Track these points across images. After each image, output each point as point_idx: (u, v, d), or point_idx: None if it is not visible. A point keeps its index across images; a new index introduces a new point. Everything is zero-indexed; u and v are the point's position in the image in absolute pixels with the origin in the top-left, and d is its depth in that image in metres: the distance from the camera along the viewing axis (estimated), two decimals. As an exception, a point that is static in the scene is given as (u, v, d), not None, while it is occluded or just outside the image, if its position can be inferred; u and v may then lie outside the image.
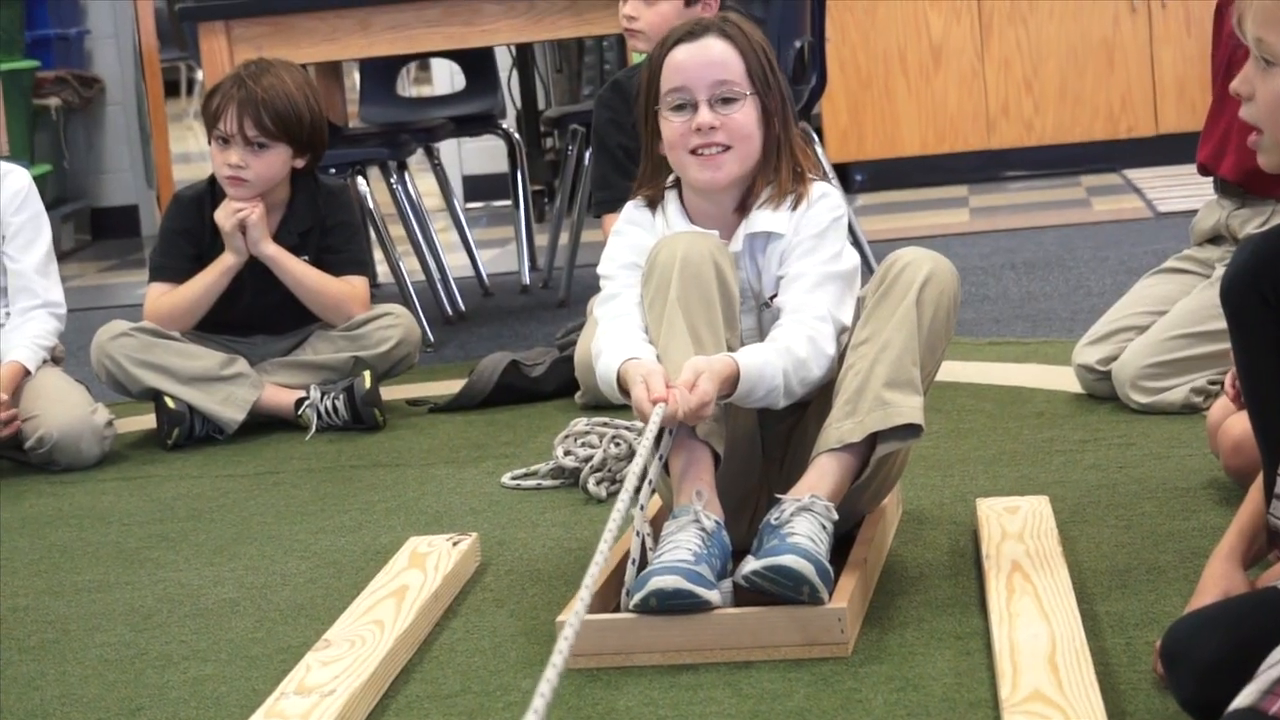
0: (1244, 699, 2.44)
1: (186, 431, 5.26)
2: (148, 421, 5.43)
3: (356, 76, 8.03)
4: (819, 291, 3.43)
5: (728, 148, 3.41)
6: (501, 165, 8.73)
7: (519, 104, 8.39)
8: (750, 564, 3.06)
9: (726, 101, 3.40)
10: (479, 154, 9.67)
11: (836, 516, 3.17)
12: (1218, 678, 2.61)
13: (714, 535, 3.15)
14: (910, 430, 3.27)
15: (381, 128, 7.47)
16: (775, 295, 3.52)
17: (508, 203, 8.52)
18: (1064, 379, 4.98)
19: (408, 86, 8.24)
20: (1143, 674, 3.02)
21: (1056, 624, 3.20)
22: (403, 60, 8.01)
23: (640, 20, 5.36)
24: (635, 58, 5.58)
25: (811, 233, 3.48)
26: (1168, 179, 8.32)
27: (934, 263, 3.39)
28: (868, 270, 6.51)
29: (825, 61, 7.04)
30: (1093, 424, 4.64)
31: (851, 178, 8.77)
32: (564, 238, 7.33)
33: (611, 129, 5.56)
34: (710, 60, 3.41)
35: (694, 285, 3.30)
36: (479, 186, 9.87)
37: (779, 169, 3.52)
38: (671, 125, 3.42)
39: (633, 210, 3.65)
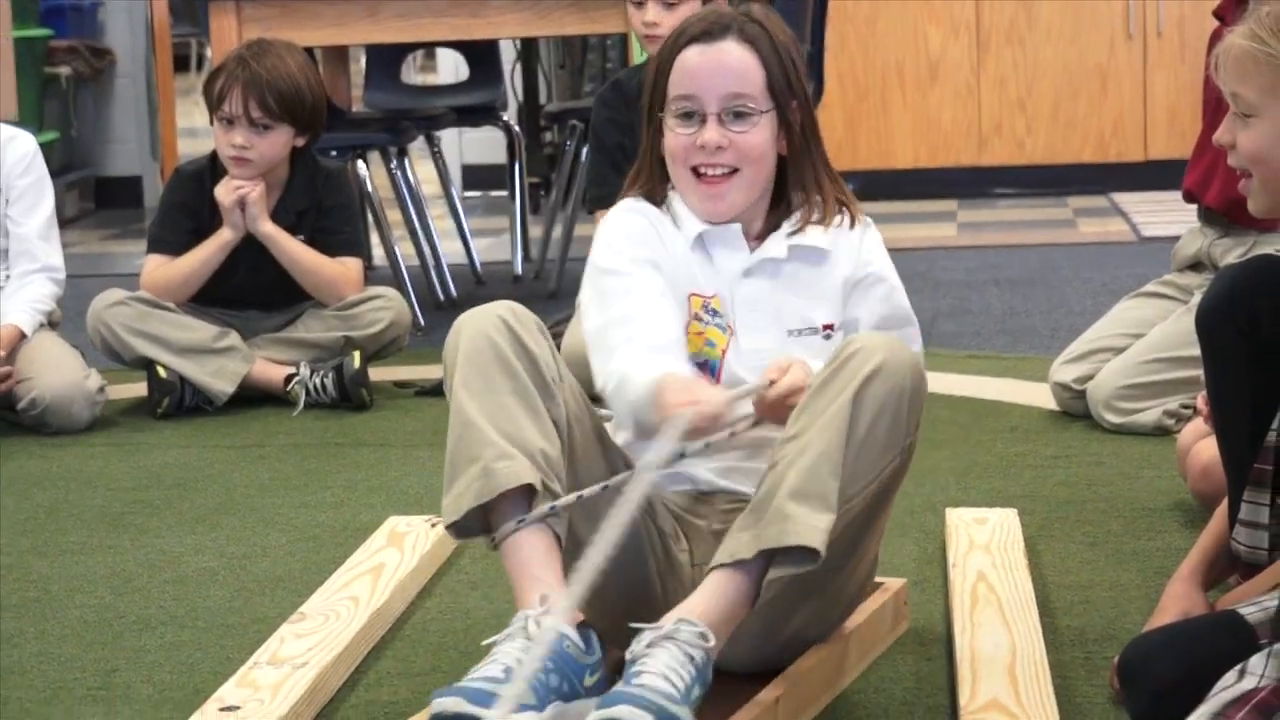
0: (1197, 719, 2.46)
1: (176, 401, 5.28)
2: (139, 389, 5.45)
3: (363, 61, 8.01)
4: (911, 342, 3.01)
5: (734, 170, 2.91)
6: (500, 157, 8.73)
7: (521, 97, 8.40)
8: (591, 710, 2.44)
9: (739, 117, 2.89)
10: (479, 144, 9.68)
11: (712, 643, 2.51)
12: (1172, 697, 2.62)
13: (555, 647, 2.49)
14: (805, 555, 2.55)
15: (384, 114, 7.47)
16: (830, 325, 3.01)
17: (504, 193, 8.51)
18: (1040, 395, 5.00)
19: (412, 74, 8.25)
20: (1099, 688, 3.04)
21: (1018, 635, 3.22)
22: (409, 48, 8.01)
23: (662, 26, 5.36)
24: (636, 57, 5.59)
25: (873, 266, 3.07)
26: (1153, 204, 8.34)
27: (888, 354, 2.70)
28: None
29: (824, 71, 7.05)
30: (1065, 441, 4.66)
31: (849, 186, 8.78)
32: (557, 231, 7.34)
33: (610, 127, 5.57)
34: (726, 68, 2.90)
35: (474, 366, 2.71)
36: (477, 176, 9.88)
37: (814, 186, 3.04)
38: (675, 136, 2.93)
39: (632, 202, 3.08)
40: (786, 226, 3.02)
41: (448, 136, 8.43)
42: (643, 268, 2.97)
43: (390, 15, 6.87)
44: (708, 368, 2.91)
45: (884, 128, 9.01)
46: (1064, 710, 2.91)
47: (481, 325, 2.71)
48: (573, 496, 2.67)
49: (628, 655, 2.50)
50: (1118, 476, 4.28)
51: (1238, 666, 2.52)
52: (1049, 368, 4.97)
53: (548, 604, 2.54)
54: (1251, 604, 2.85)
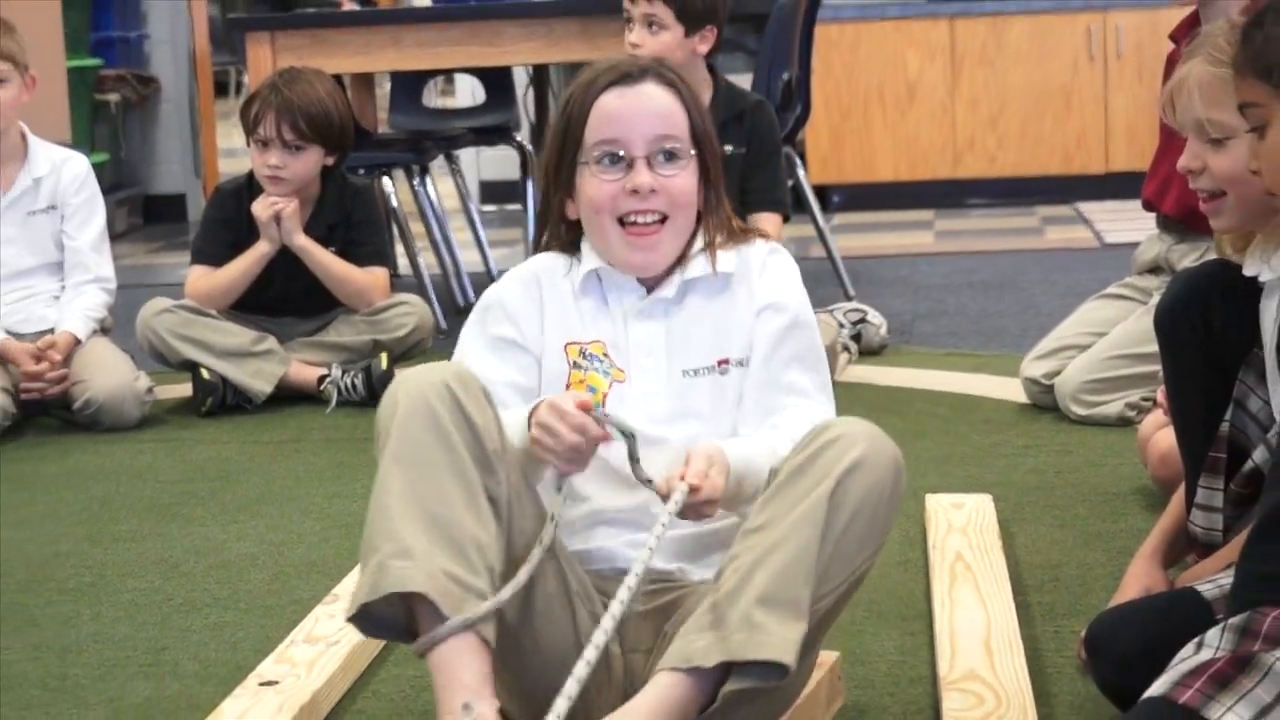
0: (1156, 688, 2.45)
1: (219, 400, 5.28)
2: (184, 390, 5.45)
3: (387, 86, 8.00)
4: (820, 391, 2.60)
5: (664, 219, 2.48)
6: (514, 173, 8.71)
7: (533, 118, 8.37)
8: None
9: (670, 158, 2.48)
10: (494, 162, 9.65)
11: None
12: (1134, 667, 2.62)
13: None
14: (772, 669, 2.17)
15: (407, 134, 7.47)
16: (726, 360, 2.57)
17: (518, 207, 8.49)
18: (1011, 389, 4.99)
19: (433, 98, 8.23)
20: (1068, 659, 3.04)
21: (993, 611, 3.22)
22: (429, 74, 8.00)
23: (644, 47, 5.34)
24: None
25: (780, 295, 2.58)
26: (1115, 213, 8.33)
27: (869, 444, 2.31)
28: (841, 291, 6.54)
29: (810, 92, 7.04)
30: (1035, 431, 4.65)
31: (830, 199, 8.77)
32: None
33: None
34: (652, 110, 2.49)
35: (409, 437, 2.31)
36: (493, 191, 9.86)
37: (717, 227, 2.60)
38: (599, 184, 2.47)
39: (521, 267, 2.68)
40: (681, 269, 2.57)
41: (466, 155, 8.41)
42: (493, 351, 2.56)
43: (412, 44, 6.88)
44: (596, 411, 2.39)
45: (866, 144, 9.00)
46: (1035, 679, 2.91)
47: (423, 390, 2.30)
48: (491, 604, 2.21)
49: None
50: (1084, 464, 4.28)
51: (1196, 639, 2.52)
52: (1020, 364, 4.97)
53: (472, 715, 2.16)
54: (1208, 582, 2.85)
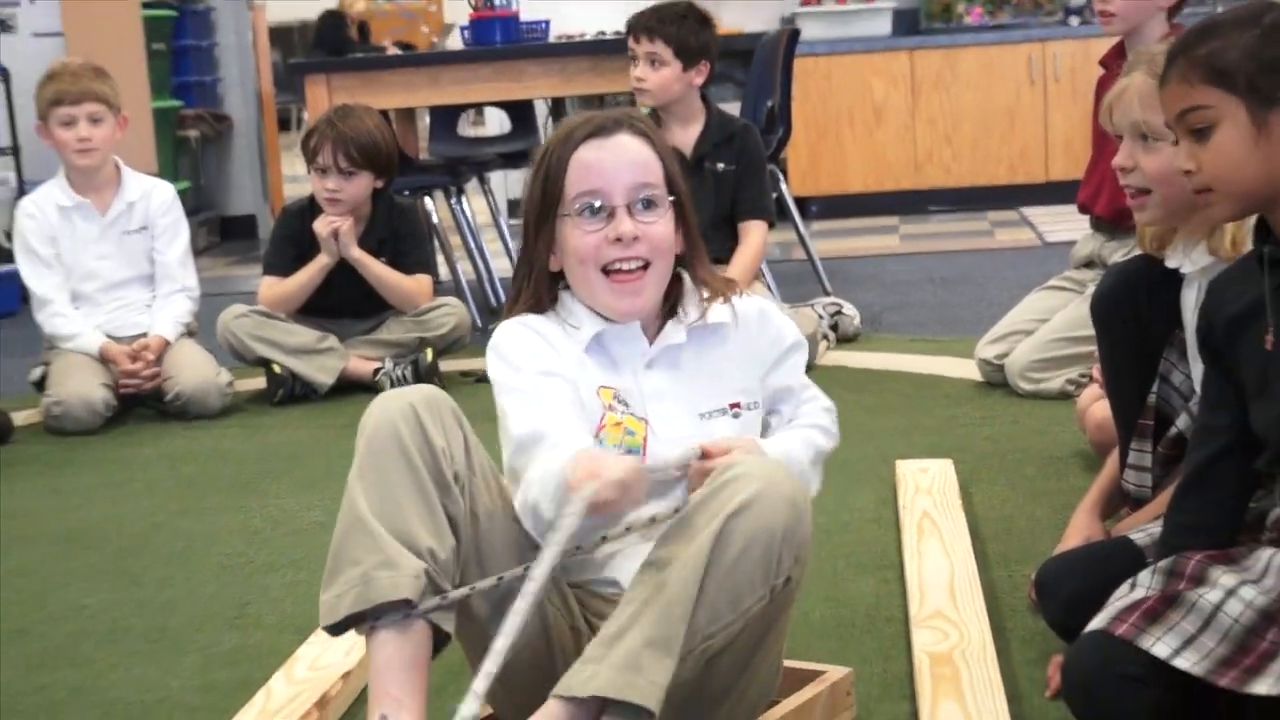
0: (1096, 623, 2.46)
1: (288, 391, 5.30)
2: (259, 383, 5.47)
3: (427, 119, 8.00)
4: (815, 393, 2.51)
5: (647, 265, 2.29)
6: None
7: (553, 144, 8.40)
8: None
9: (649, 206, 2.28)
10: (520, 182, 9.62)
11: None
12: (1077, 606, 2.63)
13: None
14: (641, 711, 1.98)
15: (445, 160, 7.46)
16: (737, 404, 2.40)
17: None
18: (968, 369, 4.99)
19: (466, 128, 8.22)
20: (1020, 600, 3.06)
21: (955, 559, 3.24)
22: (463, 108, 7.99)
23: (647, 81, 5.36)
24: (643, 110, 5.58)
25: (792, 339, 2.46)
26: (1054, 216, 8.32)
27: (762, 487, 2.07)
28: (820, 287, 6.54)
29: (790, 116, 7.03)
30: (989, 405, 4.65)
31: (809, 208, 8.76)
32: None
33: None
34: (629, 160, 2.28)
35: (374, 459, 2.16)
36: (520, 207, 9.83)
37: (700, 278, 2.42)
38: (582, 235, 2.27)
39: (516, 321, 2.40)
40: (680, 314, 2.39)
41: (495, 177, 8.39)
42: (544, 379, 2.31)
43: (448, 82, 6.90)
44: (631, 454, 2.26)
45: (839, 160, 9.00)
46: (992, 617, 2.93)
47: (389, 413, 2.15)
48: (463, 590, 2.12)
49: None
50: (1031, 432, 4.28)
51: (1130, 581, 2.53)
52: (974, 347, 4.97)
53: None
54: (1139, 531, 2.86)
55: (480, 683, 1.97)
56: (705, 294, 2.40)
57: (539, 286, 2.37)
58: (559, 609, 2.26)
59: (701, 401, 2.36)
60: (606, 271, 2.30)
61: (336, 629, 2.17)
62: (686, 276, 2.42)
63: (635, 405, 2.35)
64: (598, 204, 2.28)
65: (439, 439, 2.14)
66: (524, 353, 2.33)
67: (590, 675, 2.00)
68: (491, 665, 1.98)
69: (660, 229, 2.31)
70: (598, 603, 2.31)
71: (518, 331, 2.37)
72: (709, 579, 2.03)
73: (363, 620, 2.13)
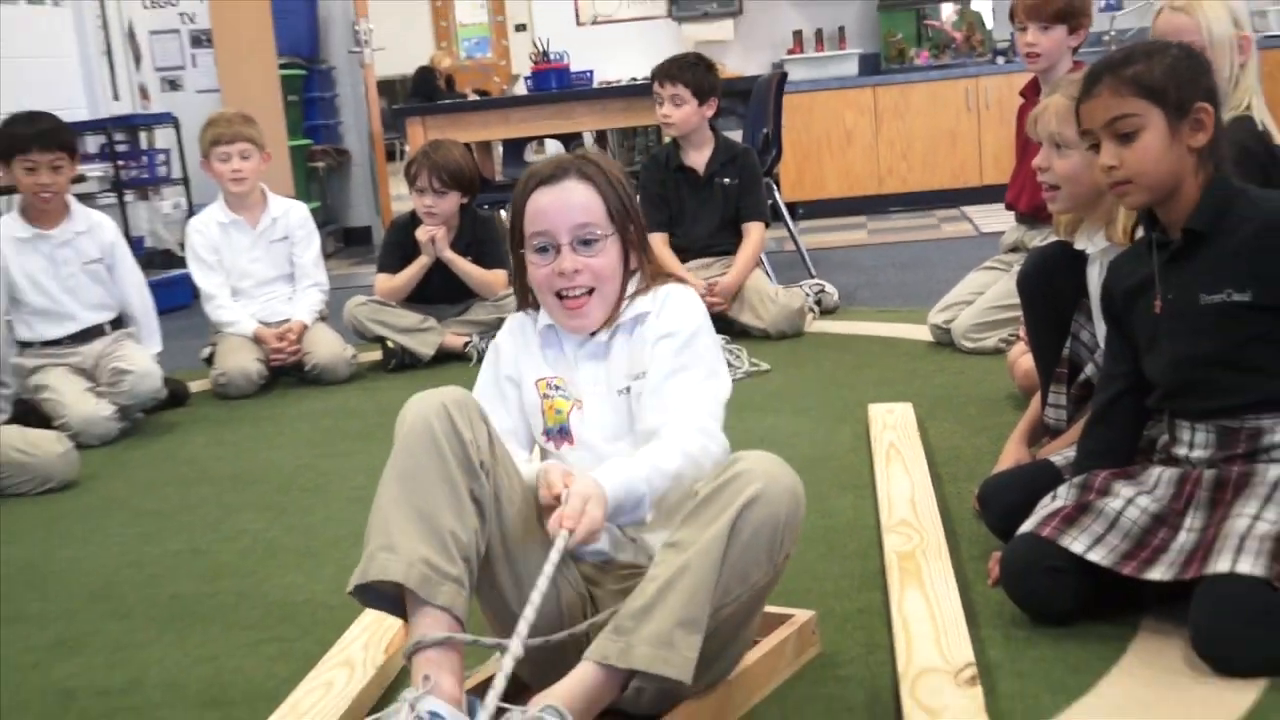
0: (1026, 527, 2.48)
1: (399, 361, 5.32)
2: (375, 355, 5.46)
3: (500, 149, 8.00)
4: (692, 385, 2.19)
5: (591, 290, 2.19)
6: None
7: (597, 166, 8.39)
8: None
9: (587, 243, 2.16)
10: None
11: None
12: (1012, 514, 2.63)
13: None
14: (671, 681, 1.91)
15: (514, 180, 7.47)
16: (640, 374, 2.22)
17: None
18: (922, 333, 4.97)
19: (531, 155, 8.21)
20: (967, 511, 3.06)
21: (915, 480, 3.24)
22: (528, 139, 7.99)
23: (672, 117, 5.39)
24: (665, 139, 5.59)
25: (680, 325, 2.22)
26: (987, 212, 8.28)
27: (767, 481, 2.00)
28: (806, 272, 6.53)
29: (781, 140, 7.02)
30: (939, 360, 4.63)
31: (796, 210, 8.70)
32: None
33: (650, 181, 5.57)
34: (571, 204, 2.16)
35: (408, 451, 2.04)
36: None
37: (644, 279, 2.28)
38: (536, 268, 2.20)
39: (516, 324, 2.35)
40: (617, 314, 2.25)
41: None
42: (507, 384, 2.29)
43: (516, 120, 6.93)
44: (562, 430, 2.23)
45: (819, 173, 8.97)
46: (945, 524, 2.93)
47: (424, 410, 2.04)
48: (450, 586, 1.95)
49: None
50: (972, 381, 4.27)
51: (1051, 493, 2.53)
52: (927, 316, 4.95)
53: (429, 685, 1.88)
54: (1058, 455, 2.86)
55: (522, 625, 1.88)
56: (639, 284, 2.26)
57: (525, 290, 2.27)
58: (569, 581, 2.13)
59: (618, 380, 2.21)
60: (559, 295, 2.19)
61: (357, 597, 2.02)
62: (634, 280, 2.26)
63: (571, 390, 2.23)
64: (545, 244, 2.17)
65: (467, 432, 2.02)
66: (495, 356, 2.31)
67: (625, 647, 1.89)
68: (529, 612, 1.90)
69: (599, 261, 2.18)
70: (588, 569, 2.19)
71: (503, 337, 2.33)
72: (725, 562, 1.94)
73: (374, 593, 2.00)
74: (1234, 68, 3.20)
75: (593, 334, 2.26)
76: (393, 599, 1.99)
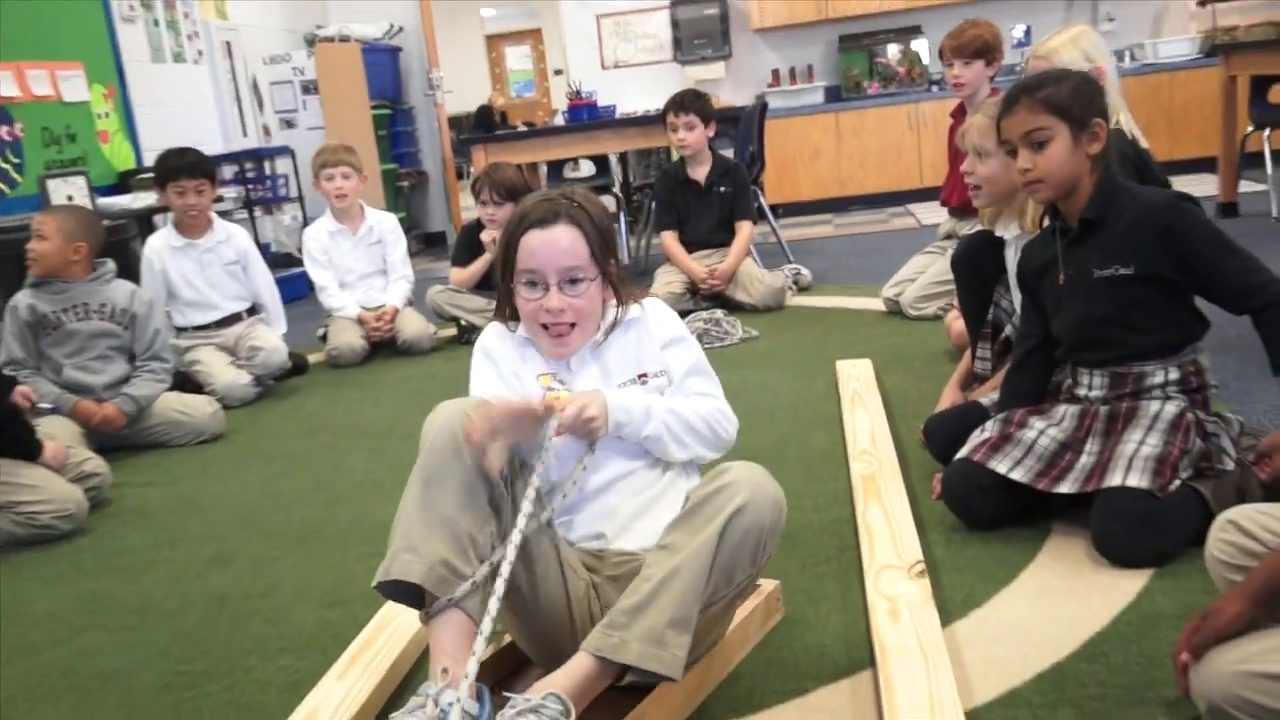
0: (961, 454, 2.48)
1: (469, 336, 5.30)
2: (451, 332, 5.47)
3: (544, 168, 7.98)
4: (716, 390, 2.03)
5: (573, 325, 1.95)
6: (613, 208, 8.71)
7: (620, 179, 8.35)
8: None
9: (573, 283, 1.93)
10: (604, 204, 9.58)
11: (572, 714, 1.64)
12: (950, 444, 2.64)
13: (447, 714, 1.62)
14: (661, 676, 1.71)
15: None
16: (645, 374, 2.01)
17: (616, 228, 8.48)
18: (877, 305, 4.95)
19: (569, 172, 8.19)
20: (915, 441, 3.05)
21: (874, 418, 3.24)
22: (565, 160, 7.97)
23: (687, 140, 5.42)
24: (674, 156, 5.58)
25: (675, 332, 2.04)
26: (926, 209, 8.23)
27: (753, 490, 1.78)
28: (785, 259, 6.51)
29: (764, 155, 6.99)
30: (891, 326, 4.62)
31: (777, 211, 8.67)
32: (642, 242, 7.33)
33: (663, 190, 5.57)
34: (559, 248, 1.92)
35: (432, 458, 1.80)
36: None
37: (625, 296, 2.02)
38: (525, 301, 1.95)
39: (496, 333, 2.08)
40: (602, 324, 2.00)
41: (587, 200, 8.38)
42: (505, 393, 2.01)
43: (555, 145, 6.90)
44: None
45: (794, 181, 8.91)
46: (898, 452, 2.93)
47: (448, 419, 1.82)
48: (467, 585, 1.72)
49: (502, 716, 1.64)
50: (917, 341, 4.25)
51: (980, 427, 2.53)
52: (880, 291, 4.94)
53: (448, 678, 1.67)
54: (985, 397, 2.86)
55: (493, 604, 1.68)
56: (620, 301, 2.02)
57: (508, 306, 2.01)
58: (576, 573, 1.87)
59: (615, 376, 1.99)
60: (544, 325, 1.96)
61: (381, 591, 1.78)
62: (613, 299, 2.02)
63: (569, 384, 1.98)
64: (534, 281, 1.93)
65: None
66: (485, 378, 2.05)
67: (620, 643, 1.68)
68: (510, 552, 1.71)
69: (582, 301, 1.94)
70: (588, 558, 1.92)
71: (490, 340, 2.07)
72: (714, 566, 1.74)
73: (396, 589, 1.76)
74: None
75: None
76: (412, 594, 1.76)
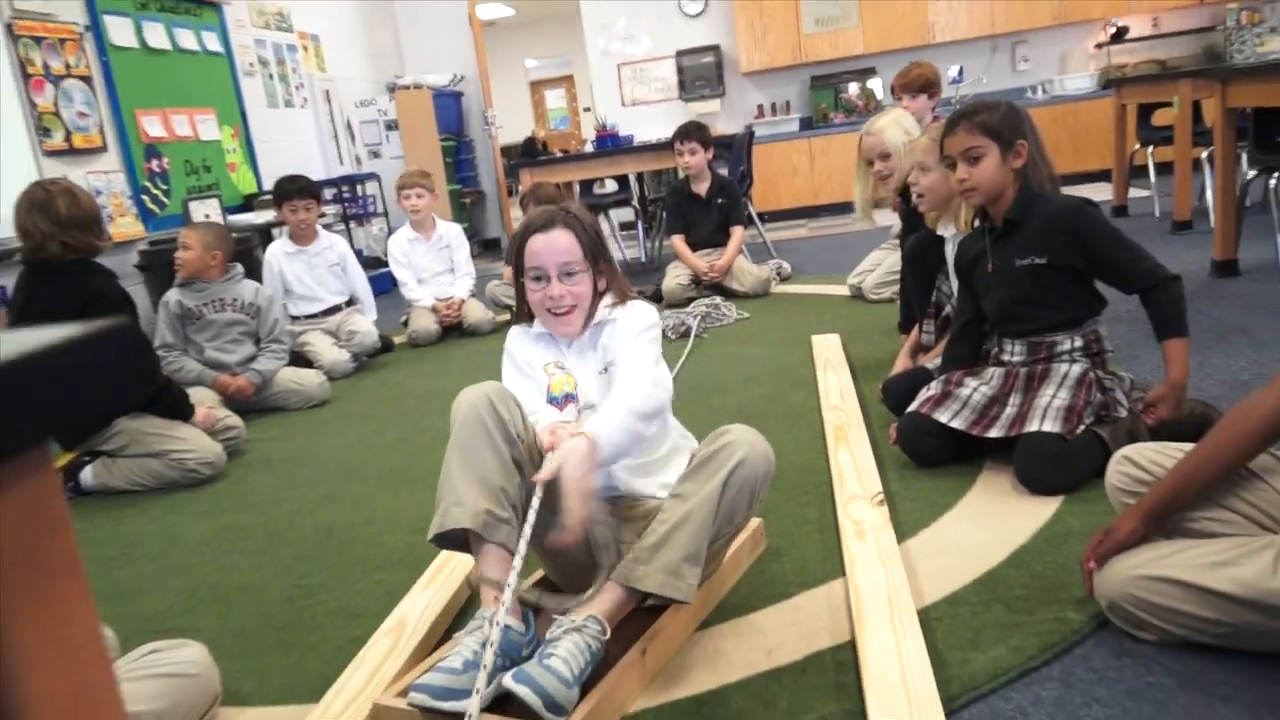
0: (911, 408, 2.47)
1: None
2: (507, 317, 5.44)
3: (578, 186, 7.96)
4: (644, 352, 1.84)
5: (573, 307, 1.89)
6: (631, 217, 8.67)
7: (638, 194, 8.33)
8: (509, 679, 1.52)
9: (570, 275, 1.87)
10: (623, 214, 9.56)
11: (608, 633, 1.63)
12: (902, 399, 2.63)
13: (504, 635, 1.62)
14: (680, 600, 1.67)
15: (588, 205, 7.42)
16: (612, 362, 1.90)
17: (634, 231, 8.44)
18: (844, 290, 4.93)
19: (597, 188, 8.17)
20: (875, 398, 3.02)
21: (842, 381, 3.22)
22: (595, 179, 7.94)
23: (691, 163, 5.36)
24: (680, 174, 5.55)
25: (637, 324, 1.88)
26: (881, 214, 8.16)
27: (749, 449, 1.75)
28: (769, 255, 6.48)
29: (753, 173, 6.95)
30: (854, 308, 4.58)
31: (763, 216, 8.64)
32: (656, 244, 7.31)
33: (673, 203, 5.52)
34: (557, 248, 1.87)
35: (464, 430, 1.75)
36: (624, 227, 9.76)
37: (612, 292, 1.93)
38: (532, 292, 1.90)
39: (516, 332, 2.00)
40: (596, 316, 1.91)
41: (612, 214, 8.36)
42: (522, 379, 1.93)
43: (587, 168, 6.86)
44: (569, 397, 1.88)
45: (776, 193, 8.86)
46: (862, 406, 2.92)
47: (473, 400, 1.76)
48: (512, 575, 1.60)
49: (548, 635, 1.62)
50: (875, 320, 4.22)
51: (926, 386, 2.52)
52: (846, 279, 4.91)
53: (500, 604, 1.60)
54: (930, 363, 2.85)
55: (517, 560, 1.59)
56: (613, 300, 1.92)
57: (524, 305, 1.95)
58: (602, 522, 1.78)
59: (600, 362, 1.90)
60: (550, 311, 1.89)
61: (436, 543, 1.73)
62: (607, 294, 1.94)
63: (569, 369, 1.90)
64: (539, 275, 1.88)
65: (505, 413, 1.74)
66: (515, 364, 1.95)
67: (644, 574, 1.65)
68: (521, 546, 1.60)
69: (578, 288, 1.88)
70: (605, 504, 1.83)
71: (517, 339, 1.98)
72: (719, 510, 1.70)
73: (448, 539, 1.72)
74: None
75: (577, 333, 1.93)
76: (461, 541, 1.72)
